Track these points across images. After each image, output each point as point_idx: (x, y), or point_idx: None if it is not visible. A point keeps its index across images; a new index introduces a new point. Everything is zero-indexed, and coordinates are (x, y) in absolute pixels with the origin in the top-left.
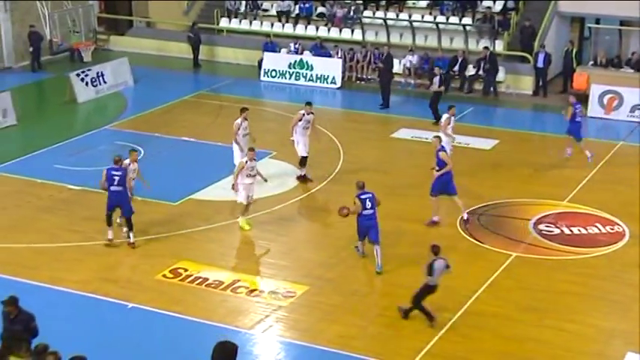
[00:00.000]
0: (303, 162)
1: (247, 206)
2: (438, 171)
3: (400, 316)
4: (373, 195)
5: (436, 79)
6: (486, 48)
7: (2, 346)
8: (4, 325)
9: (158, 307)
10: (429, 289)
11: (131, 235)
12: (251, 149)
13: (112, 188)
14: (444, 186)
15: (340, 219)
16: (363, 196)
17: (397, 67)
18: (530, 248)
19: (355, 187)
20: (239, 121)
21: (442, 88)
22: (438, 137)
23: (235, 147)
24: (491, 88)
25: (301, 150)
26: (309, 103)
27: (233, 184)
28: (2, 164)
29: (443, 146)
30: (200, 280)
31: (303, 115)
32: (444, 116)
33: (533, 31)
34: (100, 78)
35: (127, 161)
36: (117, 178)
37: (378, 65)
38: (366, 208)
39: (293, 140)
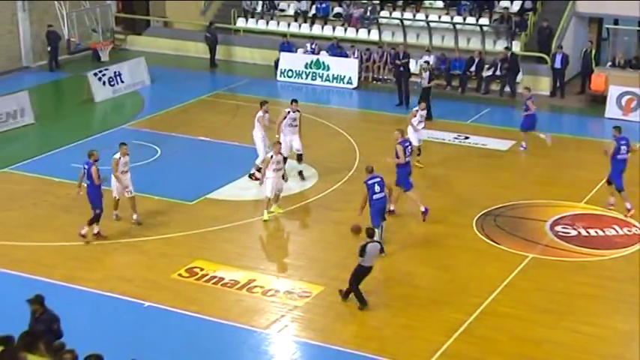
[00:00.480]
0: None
1: (272, 199)
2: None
3: (341, 299)
4: (382, 178)
5: (425, 75)
6: (507, 48)
7: (18, 342)
8: (29, 322)
9: (174, 306)
10: (362, 271)
11: (85, 227)
12: (278, 142)
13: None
14: (407, 179)
15: (357, 219)
16: (370, 181)
17: (414, 67)
18: (546, 250)
19: (365, 172)
20: (261, 113)
21: (432, 84)
22: (400, 130)
23: (258, 140)
24: (511, 89)
25: (283, 149)
26: (294, 101)
27: (259, 179)
28: (20, 163)
29: (405, 140)
30: (216, 279)
31: (288, 112)
32: (413, 109)
33: (550, 32)
34: (118, 77)
35: (117, 155)
36: (85, 172)
37: (397, 63)
38: (375, 192)
39: (279, 139)
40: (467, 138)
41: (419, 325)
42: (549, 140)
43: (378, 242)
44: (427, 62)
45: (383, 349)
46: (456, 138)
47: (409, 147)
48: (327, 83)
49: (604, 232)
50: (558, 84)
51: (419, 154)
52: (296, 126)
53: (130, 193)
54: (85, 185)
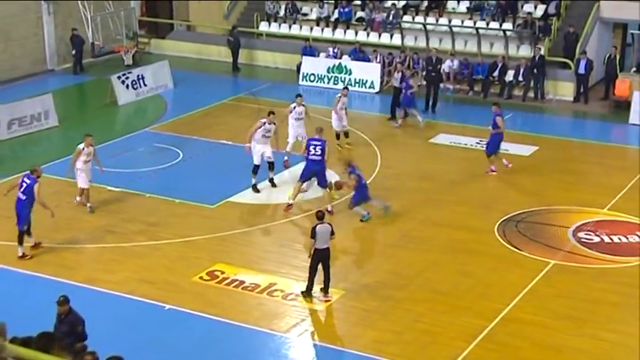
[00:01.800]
0: (255, 170)
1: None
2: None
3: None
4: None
5: (397, 75)
6: (539, 48)
7: (34, 343)
8: (54, 323)
9: (194, 308)
10: (318, 254)
11: (19, 248)
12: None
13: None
14: (313, 174)
15: (378, 224)
16: (357, 171)
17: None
18: (569, 256)
19: (346, 166)
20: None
21: (402, 85)
22: (318, 129)
23: (290, 130)
24: (538, 92)
25: (256, 159)
26: (272, 112)
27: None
28: (44, 165)
29: (312, 138)
30: (236, 282)
31: (264, 123)
32: (337, 95)
33: (575, 37)
34: (141, 81)
35: (81, 145)
36: (24, 185)
37: (428, 68)
38: (362, 179)
39: (248, 147)
40: None
41: (439, 331)
42: (422, 124)
43: (329, 224)
44: (401, 63)
45: (403, 355)
46: (478, 143)
47: (319, 146)
48: (349, 87)
49: (627, 238)
50: (582, 89)
51: (346, 137)
52: (269, 137)
53: (86, 184)
54: (22, 198)
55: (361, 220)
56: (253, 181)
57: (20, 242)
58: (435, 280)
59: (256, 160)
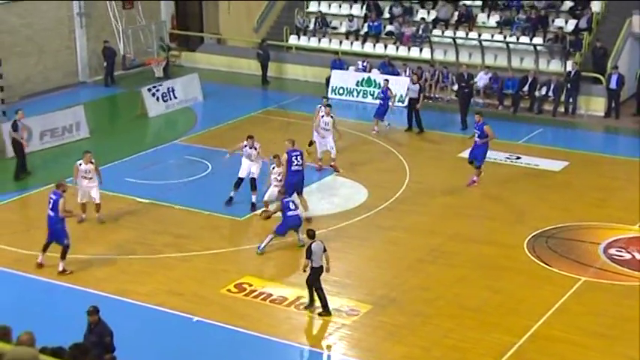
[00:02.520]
0: (237, 184)
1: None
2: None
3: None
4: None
5: (415, 87)
6: (575, 63)
7: (67, 354)
8: (84, 333)
9: (222, 321)
10: (315, 272)
11: (61, 263)
12: (276, 156)
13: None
14: (297, 185)
15: (407, 238)
16: (286, 200)
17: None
18: (599, 273)
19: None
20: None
21: (419, 96)
22: (290, 140)
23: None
24: (570, 107)
25: (241, 172)
26: (250, 137)
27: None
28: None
29: (293, 149)
30: (264, 295)
31: (245, 146)
32: (317, 106)
33: (605, 52)
34: (171, 93)
35: (78, 162)
36: (51, 201)
37: (461, 85)
38: (290, 210)
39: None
40: (519, 158)
41: (468, 347)
42: (386, 129)
43: (320, 241)
44: (417, 75)
45: None
46: (507, 158)
47: (299, 156)
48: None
49: None
50: (613, 105)
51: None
52: (252, 160)
53: (95, 200)
54: (52, 215)
55: (258, 249)
56: (231, 194)
57: (63, 257)
58: (464, 296)
59: (241, 173)
